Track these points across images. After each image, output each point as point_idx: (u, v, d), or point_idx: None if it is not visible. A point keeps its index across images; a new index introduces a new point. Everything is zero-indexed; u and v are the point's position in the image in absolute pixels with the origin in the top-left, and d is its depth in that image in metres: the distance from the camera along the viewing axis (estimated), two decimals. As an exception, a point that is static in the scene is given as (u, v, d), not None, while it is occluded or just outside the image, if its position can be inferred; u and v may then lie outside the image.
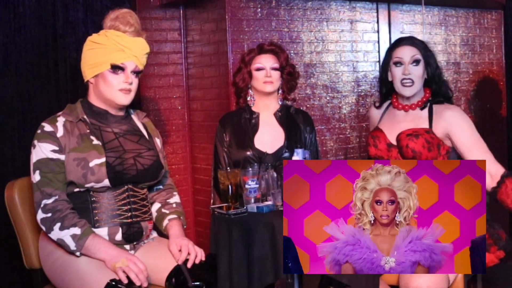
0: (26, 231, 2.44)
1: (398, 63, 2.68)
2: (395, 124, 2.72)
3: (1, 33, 3.14)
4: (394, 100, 2.77)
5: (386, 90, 2.82)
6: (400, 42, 2.74)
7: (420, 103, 2.71)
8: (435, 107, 2.68)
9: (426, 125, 2.64)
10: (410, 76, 2.65)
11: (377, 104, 2.86)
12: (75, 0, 3.34)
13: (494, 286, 3.30)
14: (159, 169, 2.46)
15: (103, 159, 2.28)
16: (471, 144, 2.58)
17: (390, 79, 2.74)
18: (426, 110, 2.69)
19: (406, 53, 2.68)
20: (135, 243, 2.38)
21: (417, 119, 2.68)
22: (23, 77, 3.20)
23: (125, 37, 2.35)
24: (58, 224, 2.21)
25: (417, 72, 2.67)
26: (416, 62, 2.67)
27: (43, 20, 3.25)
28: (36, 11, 3.23)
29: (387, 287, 2.46)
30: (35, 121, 2.43)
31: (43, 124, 2.32)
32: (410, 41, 2.72)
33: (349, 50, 3.89)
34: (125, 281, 2.15)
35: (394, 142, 2.68)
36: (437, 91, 2.72)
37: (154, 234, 2.52)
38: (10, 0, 3.15)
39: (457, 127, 2.60)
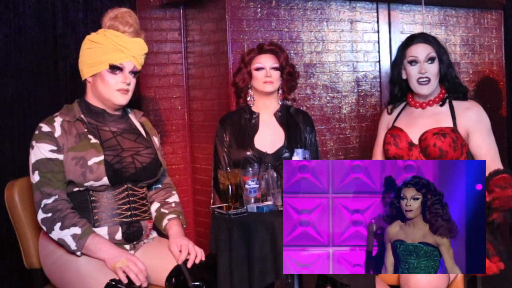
0: (26, 231, 2.44)
1: (413, 62, 2.66)
2: (413, 121, 2.69)
3: (1, 33, 3.14)
4: (410, 99, 2.75)
5: (399, 90, 2.79)
6: (414, 39, 2.70)
7: (437, 99, 2.69)
8: (455, 103, 2.67)
9: (449, 123, 2.62)
10: (426, 74, 2.64)
11: (389, 110, 2.83)
12: (75, 0, 3.34)
13: (494, 287, 3.30)
14: (157, 167, 2.46)
15: (101, 157, 2.28)
16: (487, 148, 2.61)
17: (404, 77, 2.72)
18: (446, 106, 2.67)
19: (421, 51, 2.65)
20: (135, 242, 2.38)
21: (437, 115, 2.66)
22: (23, 77, 3.20)
23: (124, 38, 2.35)
24: (59, 224, 2.21)
25: (433, 70, 2.65)
26: (431, 60, 2.65)
27: (43, 20, 3.25)
28: (36, 11, 3.23)
29: (386, 286, 2.45)
30: (35, 121, 2.43)
31: (41, 124, 2.32)
32: (423, 38, 2.69)
33: (349, 50, 3.89)
34: (125, 281, 2.15)
35: (415, 141, 2.66)
36: (450, 88, 2.70)
37: (154, 234, 2.52)
38: (10, 0, 3.15)
39: (479, 126, 2.61)
